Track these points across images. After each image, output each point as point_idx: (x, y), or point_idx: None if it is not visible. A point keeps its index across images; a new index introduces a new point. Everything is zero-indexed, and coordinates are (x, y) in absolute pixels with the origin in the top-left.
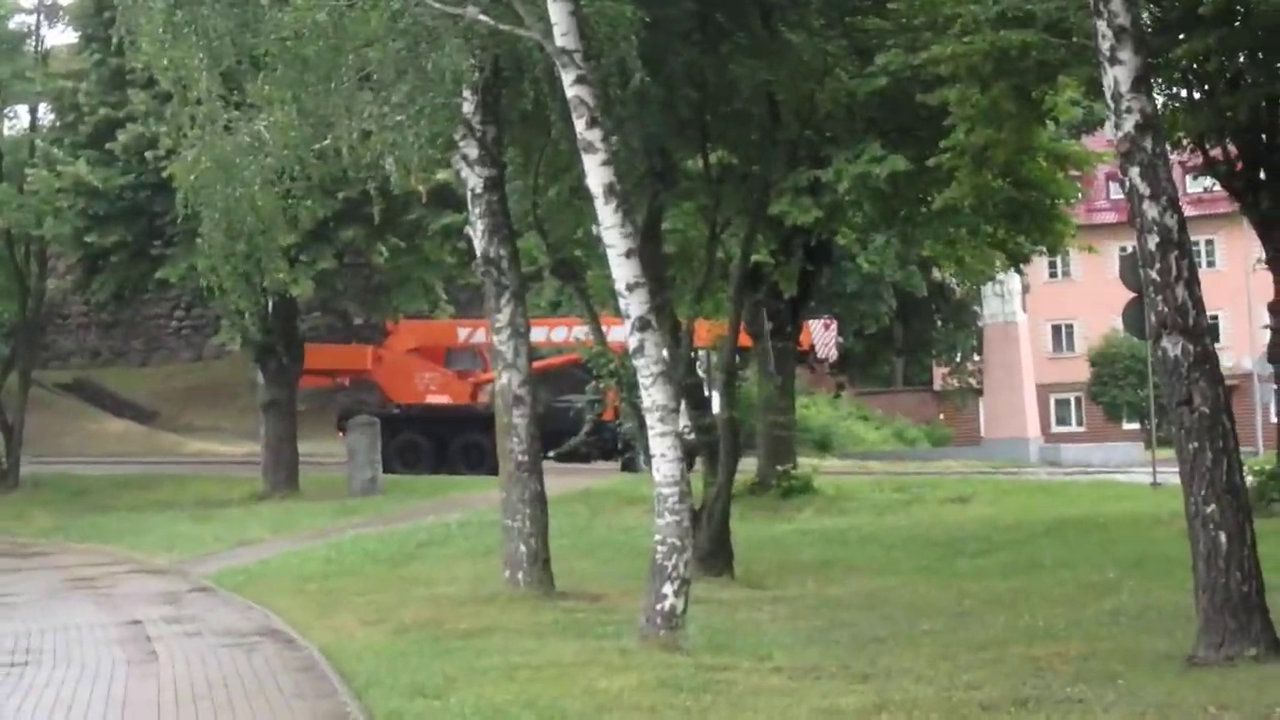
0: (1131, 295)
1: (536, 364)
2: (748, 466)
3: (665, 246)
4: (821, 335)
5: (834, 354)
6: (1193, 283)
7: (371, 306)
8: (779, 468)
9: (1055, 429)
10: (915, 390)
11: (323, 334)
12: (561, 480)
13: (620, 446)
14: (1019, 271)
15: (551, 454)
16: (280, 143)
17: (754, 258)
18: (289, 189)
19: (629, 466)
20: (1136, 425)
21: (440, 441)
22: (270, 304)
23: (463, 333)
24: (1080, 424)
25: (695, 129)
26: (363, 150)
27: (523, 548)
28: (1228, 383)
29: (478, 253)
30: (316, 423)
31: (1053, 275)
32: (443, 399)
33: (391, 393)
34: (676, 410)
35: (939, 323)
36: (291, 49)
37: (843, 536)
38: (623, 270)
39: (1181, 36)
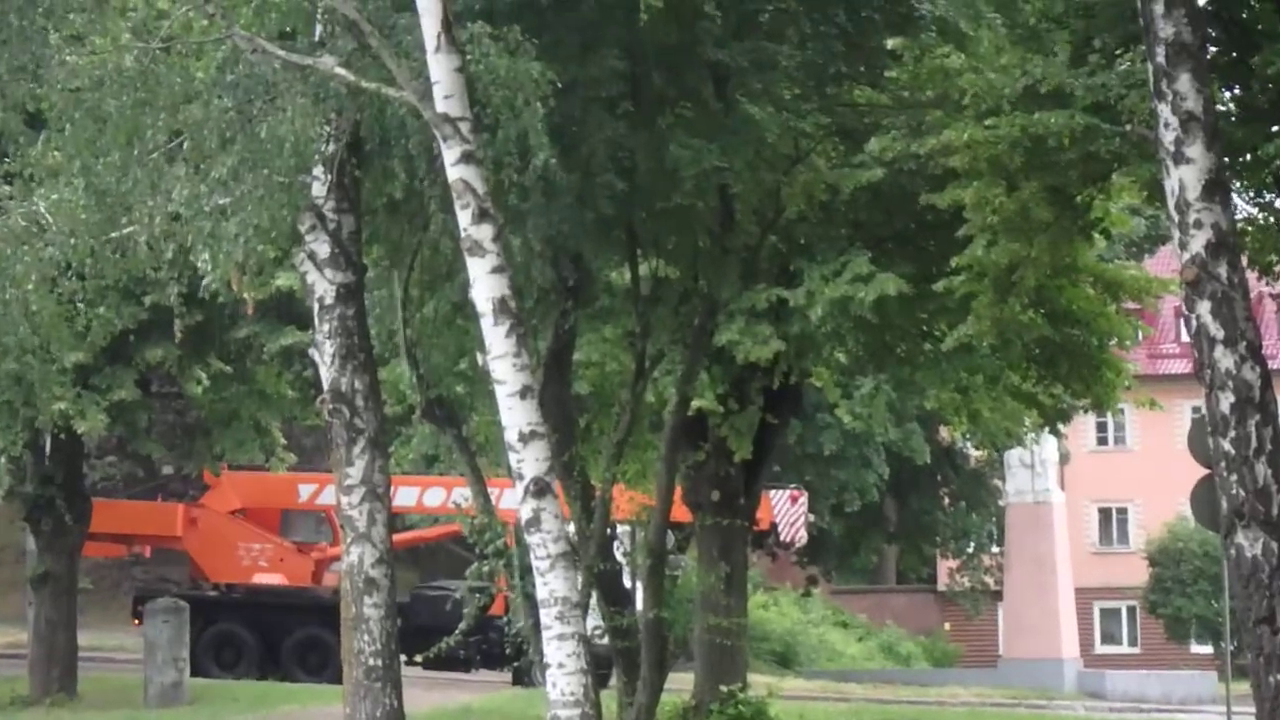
0: (1204, 472)
1: (401, 536)
2: (681, 684)
3: (576, 384)
4: (787, 511)
5: (803, 536)
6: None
7: (184, 452)
8: (723, 688)
9: (1100, 649)
10: (912, 590)
11: (118, 486)
12: (431, 694)
13: (510, 651)
14: (1055, 434)
15: (418, 658)
16: (65, 228)
17: (696, 403)
18: (76, 290)
19: (522, 678)
20: (1209, 648)
21: (269, 636)
22: (47, 443)
23: (305, 491)
24: (1134, 643)
25: (620, 229)
26: (165, 242)
27: None
28: None
29: (325, 384)
30: (105, 605)
31: (1101, 442)
32: (275, 579)
33: (207, 568)
34: (583, 605)
35: (946, 500)
36: (87, 103)
37: None
38: (516, 414)
39: (1274, 128)
